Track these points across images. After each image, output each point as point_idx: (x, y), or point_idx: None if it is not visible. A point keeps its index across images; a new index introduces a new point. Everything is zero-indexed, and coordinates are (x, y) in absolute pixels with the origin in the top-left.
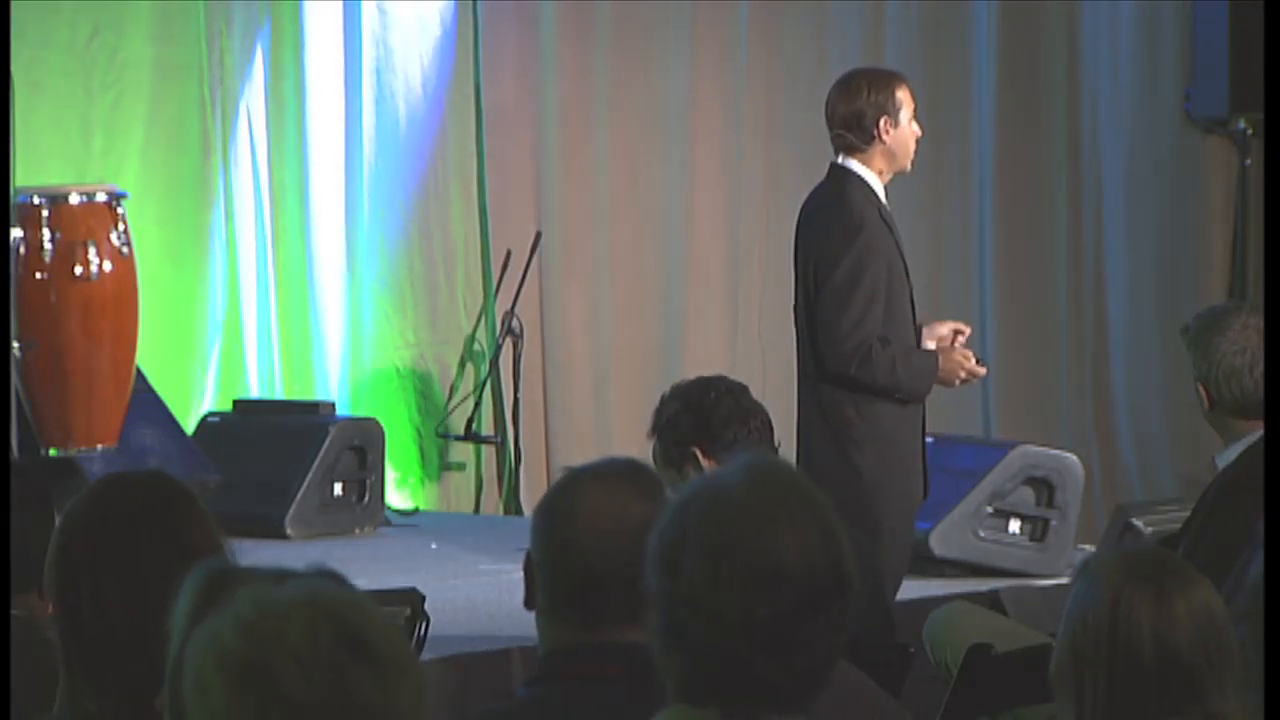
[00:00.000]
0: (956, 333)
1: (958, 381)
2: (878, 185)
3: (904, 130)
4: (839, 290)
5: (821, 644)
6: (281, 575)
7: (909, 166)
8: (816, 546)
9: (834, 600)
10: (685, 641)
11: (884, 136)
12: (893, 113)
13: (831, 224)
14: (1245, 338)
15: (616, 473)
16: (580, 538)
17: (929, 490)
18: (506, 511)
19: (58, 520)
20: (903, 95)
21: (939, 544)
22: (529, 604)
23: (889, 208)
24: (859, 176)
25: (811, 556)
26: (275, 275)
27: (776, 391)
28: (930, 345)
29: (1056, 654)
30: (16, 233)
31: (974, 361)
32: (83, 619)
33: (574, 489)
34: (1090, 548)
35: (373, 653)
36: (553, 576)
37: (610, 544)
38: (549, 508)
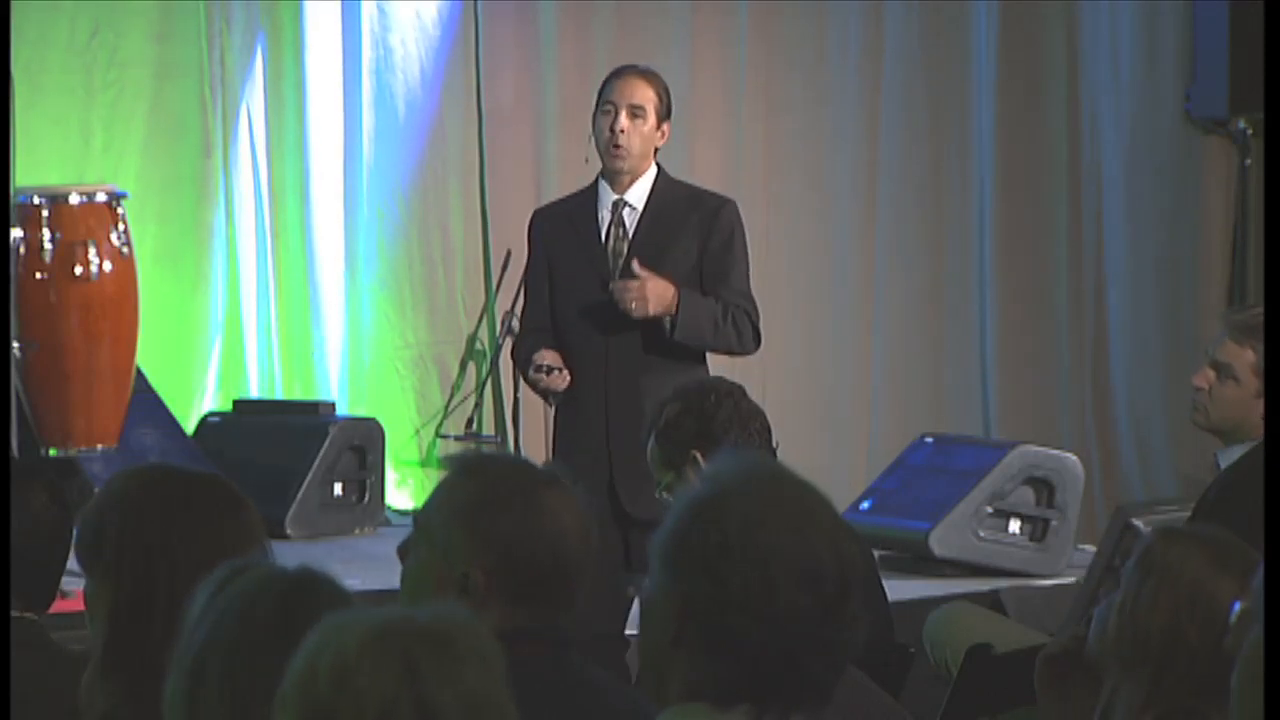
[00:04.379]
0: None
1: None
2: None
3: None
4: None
5: (844, 641)
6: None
7: (608, 163)
8: (836, 543)
9: (851, 597)
10: (734, 644)
11: None
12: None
13: None
14: None
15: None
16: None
17: None
18: None
19: (112, 504)
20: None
21: (939, 544)
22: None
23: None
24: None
25: (838, 554)
26: (275, 275)
27: (776, 390)
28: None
29: (1128, 629)
30: (16, 233)
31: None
32: (154, 602)
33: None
34: (1090, 548)
35: None
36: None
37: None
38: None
